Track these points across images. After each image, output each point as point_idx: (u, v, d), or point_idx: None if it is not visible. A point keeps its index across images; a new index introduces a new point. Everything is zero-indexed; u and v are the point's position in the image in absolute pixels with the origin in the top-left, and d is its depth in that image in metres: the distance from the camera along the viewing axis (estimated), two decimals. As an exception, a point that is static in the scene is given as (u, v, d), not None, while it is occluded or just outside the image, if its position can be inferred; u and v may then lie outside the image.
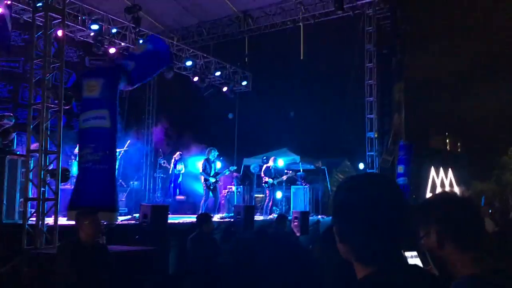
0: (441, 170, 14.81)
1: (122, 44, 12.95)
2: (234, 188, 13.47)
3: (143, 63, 7.63)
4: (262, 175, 12.62)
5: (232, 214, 10.67)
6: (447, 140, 16.90)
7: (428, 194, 14.11)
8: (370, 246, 1.31)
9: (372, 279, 1.28)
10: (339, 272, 1.55)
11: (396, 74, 13.13)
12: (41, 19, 7.71)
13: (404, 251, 2.52)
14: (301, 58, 13.92)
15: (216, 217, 10.58)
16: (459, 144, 17.14)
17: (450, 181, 14.73)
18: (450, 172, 14.99)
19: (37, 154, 6.93)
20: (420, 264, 2.04)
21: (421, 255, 2.23)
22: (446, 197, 1.77)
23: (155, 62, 7.89)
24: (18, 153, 7.67)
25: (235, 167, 13.21)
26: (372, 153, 13.45)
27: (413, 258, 2.43)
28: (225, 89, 15.49)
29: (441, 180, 14.55)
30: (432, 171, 14.66)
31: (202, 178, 11.50)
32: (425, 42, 14.04)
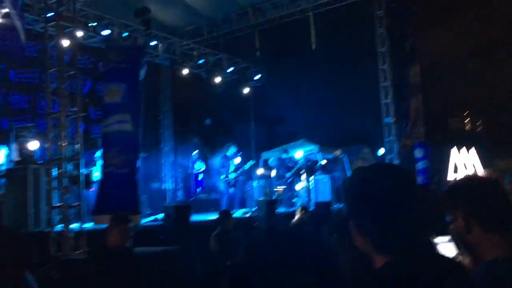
0: (463, 150, 14.58)
1: (134, 47, 13.02)
2: (254, 182, 13.50)
3: None
4: (278, 170, 12.66)
5: (254, 208, 10.71)
6: (467, 120, 16.63)
7: (451, 176, 13.91)
8: (389, 237, 1.32)
9: (391, 267, 1.29)
10: (356, 264, 1.56)
11: (410, 57, 12.96)
12: (52, 29, 7.82)
13: (437, 236, 2.51)
14: (313, 47, 13.80)
15: (238, 213, 10.64)
16: (479, 123, 16.84)
17: (473, 161, 14.48)
18: (472, 151, 14.74)
19: (59, 162, 7.06)
20: (454, 249, 2.04)
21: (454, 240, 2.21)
22: (470, 181, 1.76)
23: None
24: (40, 162, 7.82)
25: (253, 161, 13.22)
26: (390, 138, 13.33)
27: (446, 243, 2.41)
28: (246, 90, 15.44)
29: (463, 161, 14.32)
30: (454, 152, 14.43)
31: (222, 174, 11.56)
32: (439, 22, 13.77)
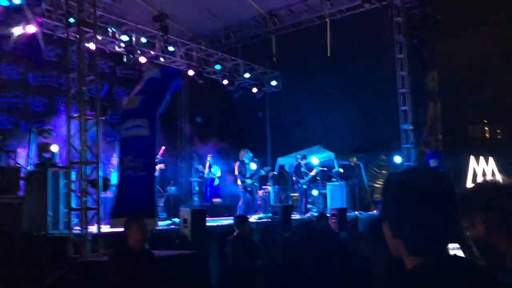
0: (481, 159, 14.38)
1: (152, 52, 13.16)
2: (270, 188, 13.46)
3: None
4: (293, 176, 12.63)
5: (270, 214, 10.68)
6: (487, 128, 16.38)
7: (470, 184, 13.72)
8: (423, 240, 1.33)
9: (423, 268, 1.30)
10: (389, 267, 1.56)
11: (428, 64, 12.85)
12: (73, 34, 7.93)
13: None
14: (328, 54, 13.78)
15: (253, 218, 10.61)
16: (499, 131, 16.58)
17: (492, 169, 14.26)
18: (490, 160, 14.52)
19: (78, 165, 7.12)
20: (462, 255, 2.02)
21: (463, 248, 2.18)
22: (489, 186, 1.73)
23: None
24: (59, 165, 7.90)
25: (269, 167, 13.18)
26: (408, 145, 13.20)
27: (455, 250, 2.38)
28: (254, 90, 15.49)
29: (482, 169, 14.11)
30: (472, 160, 14.24)
31: (238, 180, 11.56)
32: (458, 28, 13.65)
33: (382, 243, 1.41)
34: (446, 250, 1.36)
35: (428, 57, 12.84)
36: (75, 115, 7.30)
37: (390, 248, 1.40)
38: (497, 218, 1.62)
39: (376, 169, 15.01)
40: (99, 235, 6.85)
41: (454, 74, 13.76)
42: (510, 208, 1.63)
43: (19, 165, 8.52)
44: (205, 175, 13.69)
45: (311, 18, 14.27)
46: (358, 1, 13.11)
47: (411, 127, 13.08)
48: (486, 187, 1.74)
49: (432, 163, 12.16)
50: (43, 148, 7.97)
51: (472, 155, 13.86)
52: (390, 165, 14.31)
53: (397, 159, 13.56)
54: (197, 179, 14.09)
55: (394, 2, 13.10)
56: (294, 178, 12.65)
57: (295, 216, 11.54)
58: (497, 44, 13.44)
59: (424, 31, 13.00)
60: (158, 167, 12.03)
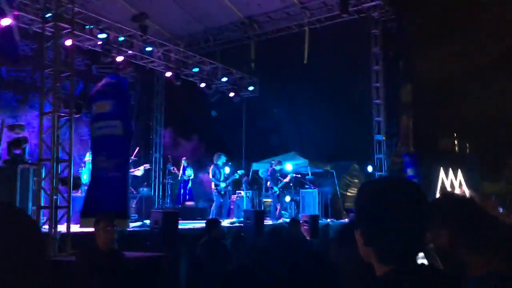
0: (450, 171, 14.74)
1: (130, 52, 13.04)
2: (243, 193, 13.49)
3: None
4: (268, 181, 12.69)
5: (242, 219, 10.71)
6: (456, 141, 16.84)
7: (438, 196, 14.02)
8: (395, 248, 1.36)
9: (392, 276, 1.33)
10: (357, 272, 1.59)
11: (403, 76, 13.13)
12: (50, 29, 7.82)
13: None
14: (305, 62, 13.91)
15: (225, 222, 10.61)
16: (468, 145, 17.06)
17: (460, 182, 14.63)
18: (459, 173, 14.90)
19: (49, 163, 7.01)
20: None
21: (428, 257, 2.25)
22: (454, 199, 1.79)
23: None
24: (29, 162, 7.75)
25: (243, 171, 13.22)
26: (380, 155, 13.42)
27: (420, 258, 2.43)
28: (231, 94, 15.51)
29: (451, 182, 14.47)
30: (441, 173, 14.59)
31: (212, 183, 11.55)
32: (433, 43, 14.01)
33: (351, 249, 1.43)
34: (415, 259, 1.39)
35: (403, 69, 13.12)
36: (48, 111, 7.19)
37: (361, 255, 1.42)
38: (461, 230, 1.67)
39: (348, 178, 15.21)
40: (67, 234, 6.75)
41: (428, 87, 14.09)
42: (474, 221, 1.68)
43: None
44: (178, 178, 13.63)
45: (290, 25, 14.40)
46: (337, 12, 13.30)
47: (384, 138, 13.31)
48: (451, 199, 1.79)
49: (409, 172, 12.39)
50: (14, 144, 7.81)
51: (442, 167, 14.20)
52: (362, 174, 14.53)
53: (370, 168, 13.78)
54: (170, 181, 14.02)
55: (371, 14, 13.34)
56: (268, 183, 12.72)
57: (268, 221, 11.59)
58: (470, 59, 13.83)
59: (400, 44, 13.28)
60: (143, 166, 12.19)
